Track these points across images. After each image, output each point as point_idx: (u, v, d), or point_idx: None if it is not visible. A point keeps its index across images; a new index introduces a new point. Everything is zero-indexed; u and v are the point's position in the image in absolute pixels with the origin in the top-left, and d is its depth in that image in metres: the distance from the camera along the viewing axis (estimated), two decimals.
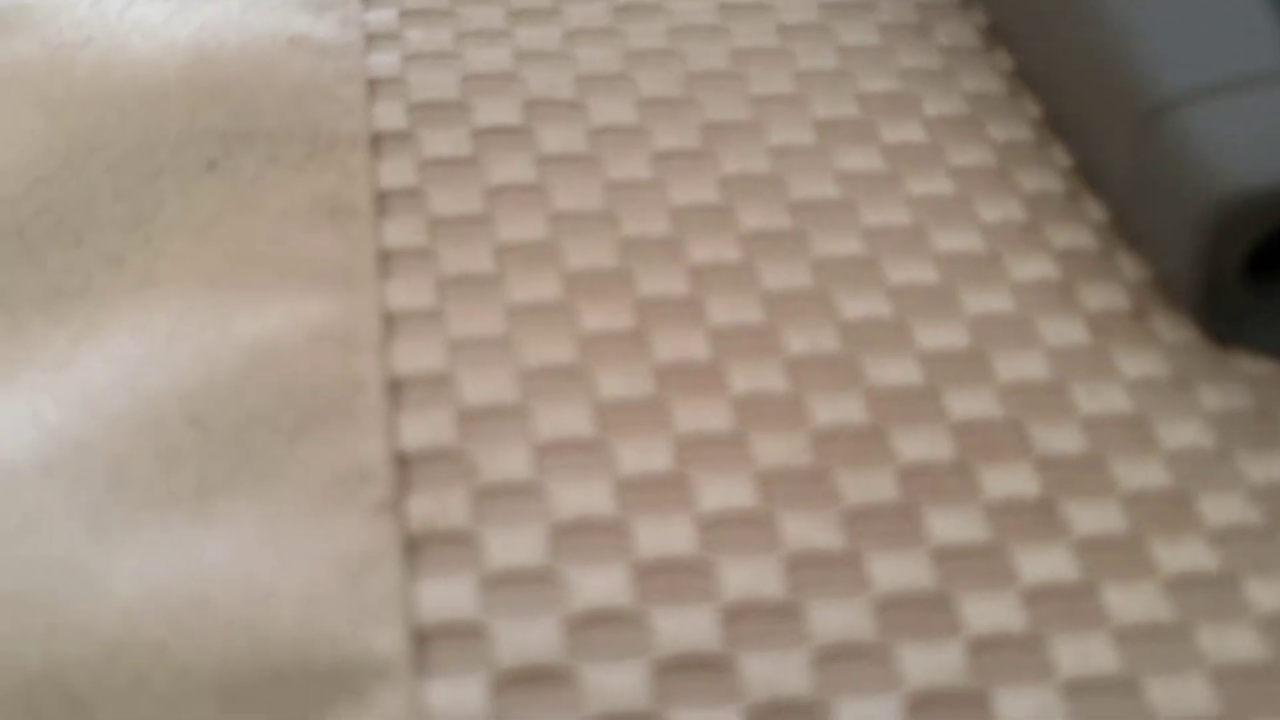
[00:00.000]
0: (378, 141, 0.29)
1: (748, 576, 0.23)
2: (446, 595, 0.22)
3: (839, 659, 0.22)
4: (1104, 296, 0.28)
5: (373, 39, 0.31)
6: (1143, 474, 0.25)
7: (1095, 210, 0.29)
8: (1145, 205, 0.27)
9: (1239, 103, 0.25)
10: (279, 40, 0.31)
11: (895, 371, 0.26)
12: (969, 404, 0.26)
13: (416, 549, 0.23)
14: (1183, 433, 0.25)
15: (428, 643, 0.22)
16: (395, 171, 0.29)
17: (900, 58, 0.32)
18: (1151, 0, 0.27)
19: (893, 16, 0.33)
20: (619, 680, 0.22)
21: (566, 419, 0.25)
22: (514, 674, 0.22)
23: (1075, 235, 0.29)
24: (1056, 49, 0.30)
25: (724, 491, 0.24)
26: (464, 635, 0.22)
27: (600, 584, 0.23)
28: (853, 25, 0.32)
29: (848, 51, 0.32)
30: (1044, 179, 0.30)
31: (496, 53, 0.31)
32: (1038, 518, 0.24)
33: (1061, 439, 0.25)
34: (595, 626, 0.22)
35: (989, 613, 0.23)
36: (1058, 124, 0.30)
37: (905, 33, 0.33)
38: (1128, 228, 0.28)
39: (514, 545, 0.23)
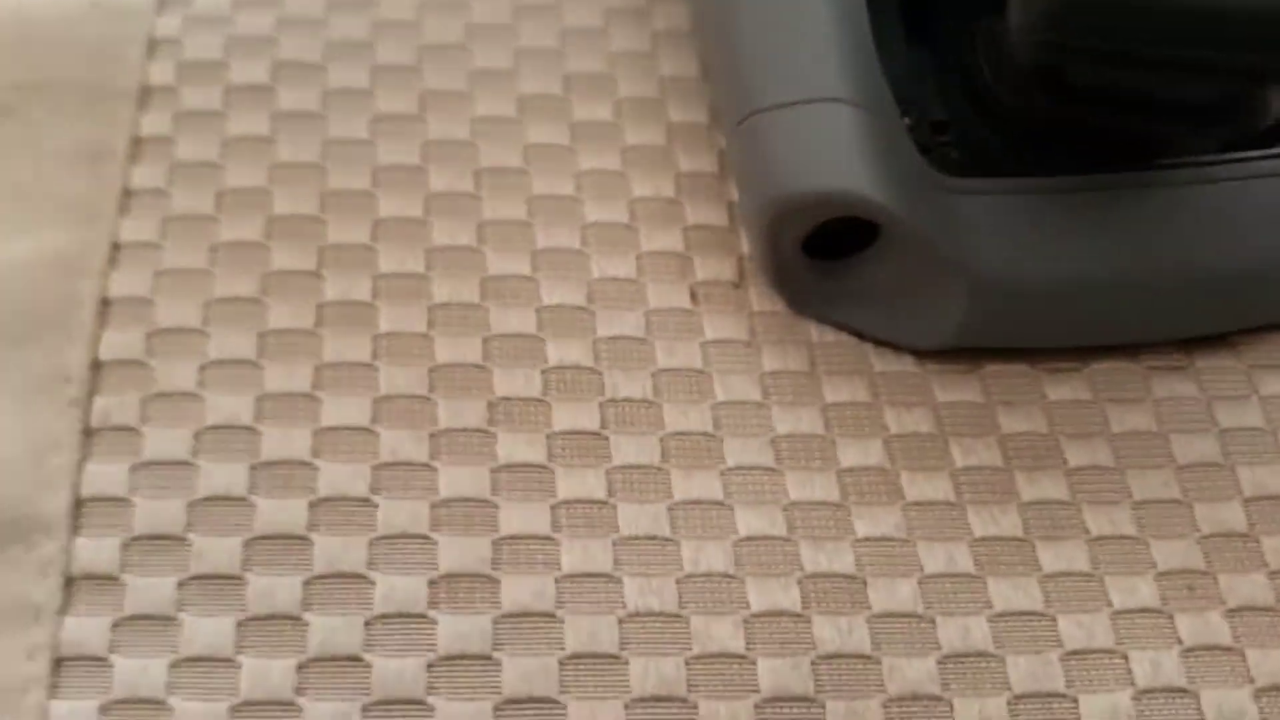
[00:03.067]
0: (146, 95, 0.35)
1: (345, 474, 0.29)
2: (106, 475, 0.29)
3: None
4: (715, 269, 0.33)
5: (164, 3, 0.37)
6: (688, 420, 0.31)
7: (734, 192, 0.34)
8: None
9: (799, 118, 0.30)
10: (83, 3, 0.36)
11: (514, 322, 0.32)
12: (563, 353, 0.31)
13: (92, 437, 0.30)
14: (735, 387, 0.31)
15: (84, 509, 0.29)
16: (153, 122, 0.35)
17: (613, 40, 0.37)
18: (756, 28, 0.32)
19: (622, 1, 0.38)
20: (225, 545, 0.28)
21: (236, 343, 0.31)
22: (144, 538, 0.29)
23: (711, 214, 0.34)
24: (709, 52, 0.35)
25: (339, 409, 0.30)
26: (113, 505, 0.29)
27: (224, 477, 0.29)
28: (579, 6, 0.37)
29: (568, 31, 0.37)
30: (701, 161, 0.35)
31: (262, 18, 0.37)
32: (589, 446, 0.30)
33: (630, 386, 0.31)
34: (214, 505, 0.29)
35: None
36: (717, 115, 0.36)
37: (625, 17, 0.37)
38: (740, 211, 0.34)
39: (168, 440, 0.30)
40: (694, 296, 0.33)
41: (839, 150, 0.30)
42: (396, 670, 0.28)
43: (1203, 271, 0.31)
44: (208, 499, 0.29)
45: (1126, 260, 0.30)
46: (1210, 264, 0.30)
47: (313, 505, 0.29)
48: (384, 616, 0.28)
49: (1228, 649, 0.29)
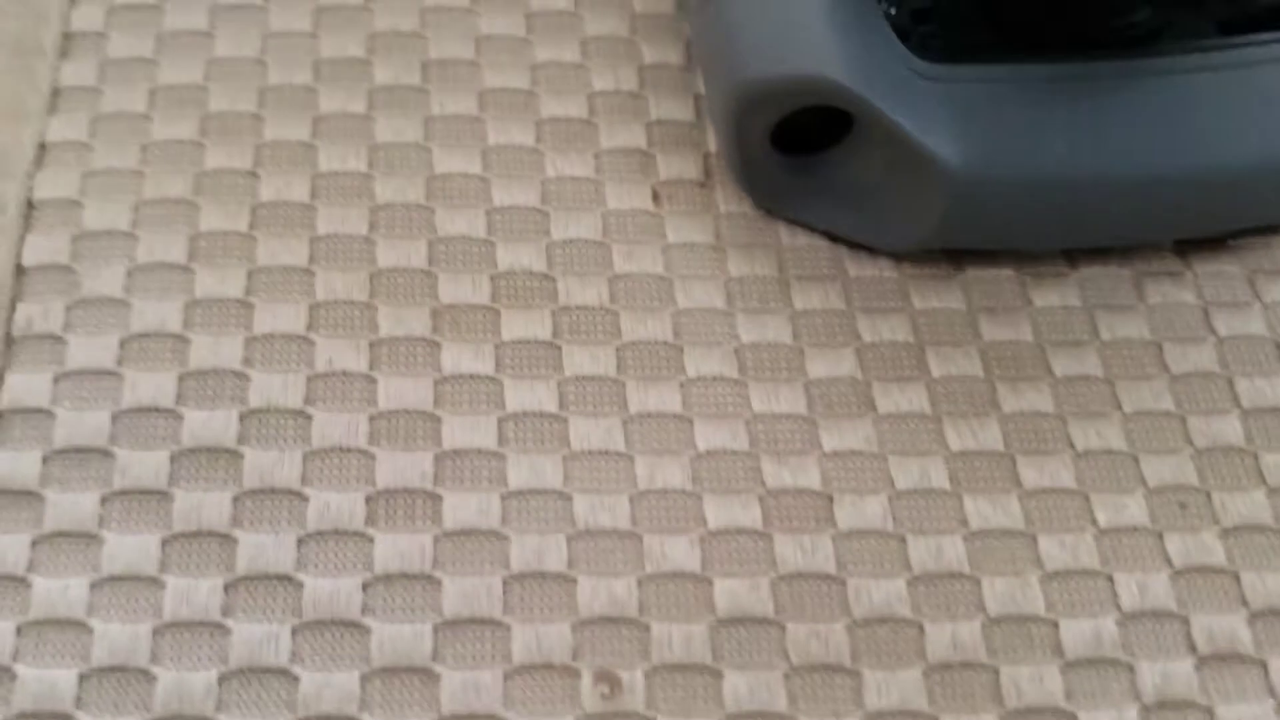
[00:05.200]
0: None
1: (278, 384, 0.27)
2: (27, 386, 0.27)
3: None
4: (679, 166, 0.31)
5: None
6: (646, 328, 0.29)
7: (701, 84, 0.32)
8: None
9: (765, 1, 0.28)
10: None
11: (462, 224, 0.30)
12: (512, 258, 0.29)
13: (13, 346, 0.28)
14: (698, 293, 0.29)
15: (3, 421, 0.27)
16: (85, 16, 0.33)
17: None
18: None
19: None
20: (150, 459, 0.27)
21: (165, 247, 0.29)
22: (66, 451, 0.27)
23: (676, 108, 0.32)
24: None
25: (272, 316, 0.28)
26: (34, 417, 0.27)
27: (151, 388, 0.27)
28: None
29: None
30: (666, 51, 0.33)
31: None
32: (542, 356, 0.28)
33: (585, 294, 0.29)
34: (140, 416, 0.27)
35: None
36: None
37: None
38: (706, 102, 0.32)
39: (92, 349, 0.28)
40: (656, 197, 0.31)
41: (810, 32, 0.27)
42: (330, 590, 0.26)
43: (1201, 165, 0.28)
44: (133, 410, 0.27)
45: (1117, 153, 0.28)
46: (1209, 157, 0.28)
47: (243, 417, 0.27)
48: (318, 534, 0.26)
49: (1220, 570, 0.27)
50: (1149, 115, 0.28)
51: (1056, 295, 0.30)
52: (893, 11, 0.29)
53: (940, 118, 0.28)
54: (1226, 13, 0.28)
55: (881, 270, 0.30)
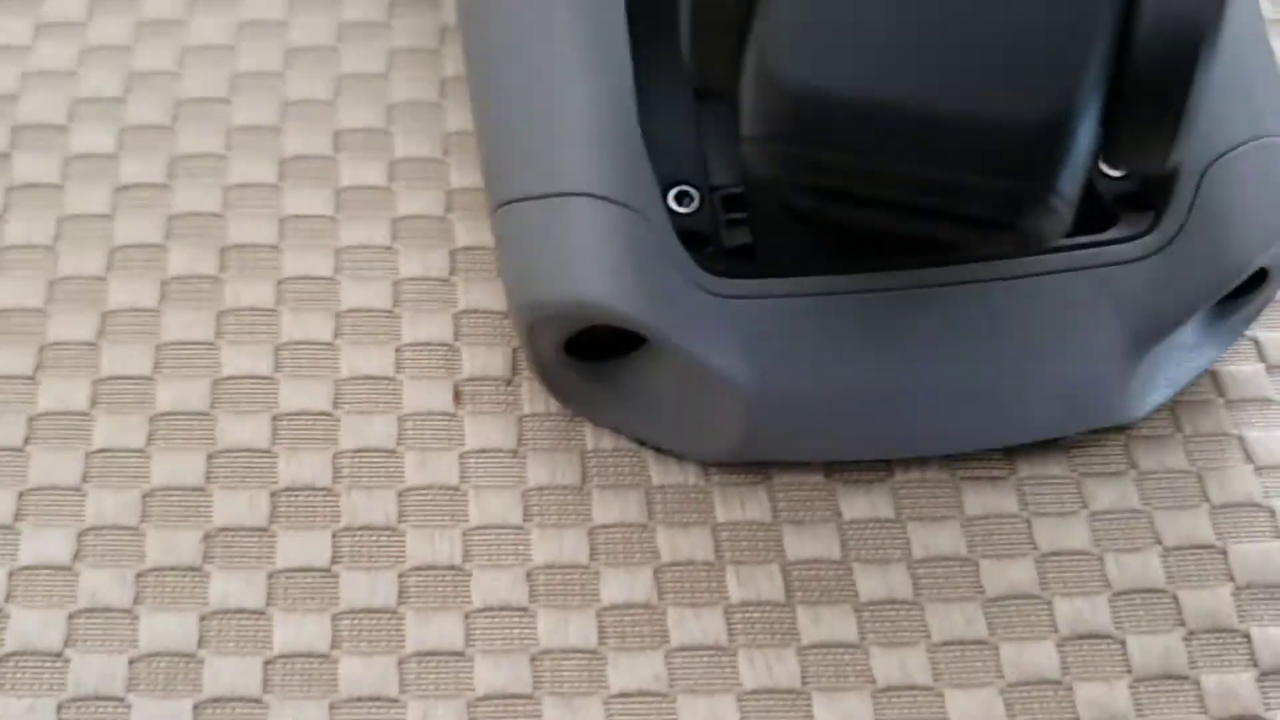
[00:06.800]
0: None
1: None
2: None
3: None
4: (484, 362, 0.30)
5: None
6: (432, 551, 0.27)
7: None
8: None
9: (549, 213, 0.27)
10: None
11: (248, 433, 0.28)
12: (297, 471, 0.28)
13: None
14: (492, 508, 0.28)
15: None
16: None
17: (395, 89, 0.33)
18: (511, 105, 0.28)
19: (408, 43, 0.33)
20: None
21: None
22: None
23: (486, 296, 0.30)
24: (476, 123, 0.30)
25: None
26: None
27: None
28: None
29: (345, 77, 0.33)
30: (482, 234, 0.31)
31: None
32: (315, 586, 0.26)
33: (371, 511, 0.28)
34: None
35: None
36: None
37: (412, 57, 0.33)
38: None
39: None
40: (457, 396, 0.30)
41: (590, 254, 0.26)
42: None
43: (1009, 376, 0.27)
44: None
45: (916, 366, 0.26)
46: (1010, 367, 0.27)
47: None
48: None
49: None
50: (947, 327, 0.27)
51: (868, 505, 0.28)
52: (695, 205, 0.28)
53: (731, 336, 0.26)
54: (1015, 245, 0.27)
55: (688, 478, 0.28)
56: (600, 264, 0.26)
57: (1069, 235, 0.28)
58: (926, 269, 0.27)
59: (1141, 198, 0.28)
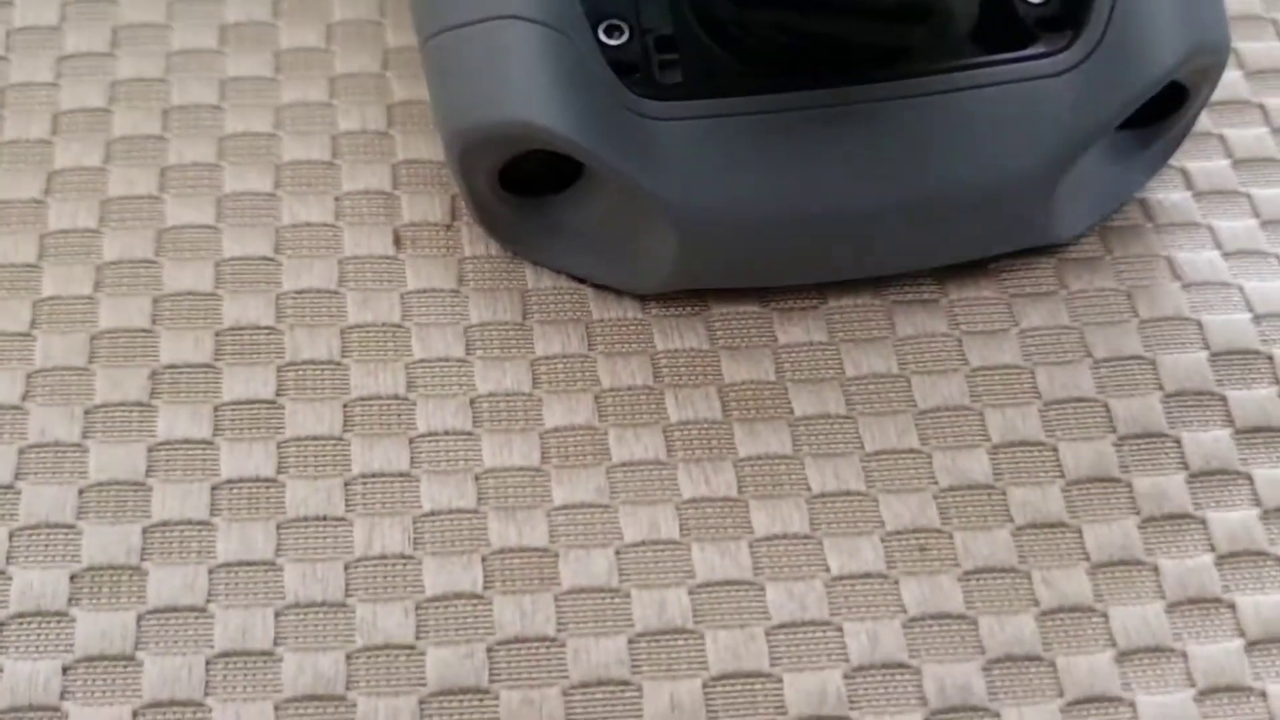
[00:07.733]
0: None
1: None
2: None
3: None
4: (424, 208, 0.30)
5: None
6: (378, 381, 0.28)
7: None
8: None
9: (479, 39, 0.27)
10: None
11: (189, 279, 0.28)
12: (240, 312, 0.28)
13: None
14: (434, 343, 0.28)
15: None
16: None
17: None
18: None
19: None
20: None
21: None
22: None
23: (424, 147, 0.31)
24: None
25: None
26: None
27: None
28: None
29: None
30: (419, 88, 0.31)
31: None
32: (263, 416, 0.27)
33: (314, 347, 0.28)
34: None
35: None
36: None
37: None
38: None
39: None
40: (398, 240, 0.30)
41: (523, 77, 0.26)
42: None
43: (935, 191, 0.27)
44: None
45: (849, 185, 0.27)
46: (943, 181, 0.27)
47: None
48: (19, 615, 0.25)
49: (959, 616, 0.25)
50: (881, 142, 0.27)
51: (802, 330, 0.29)
52: (626, 41, 0.28)
53: (661, 157, 0.27)
54: (923, 35, 0.27)
55: (626, 312, 0.29)
56: (532, 85, 0.26)
57: (989, 53, 0.28)
58: (851, 87, 0.27)
59: (1062, 20, 0.29)
